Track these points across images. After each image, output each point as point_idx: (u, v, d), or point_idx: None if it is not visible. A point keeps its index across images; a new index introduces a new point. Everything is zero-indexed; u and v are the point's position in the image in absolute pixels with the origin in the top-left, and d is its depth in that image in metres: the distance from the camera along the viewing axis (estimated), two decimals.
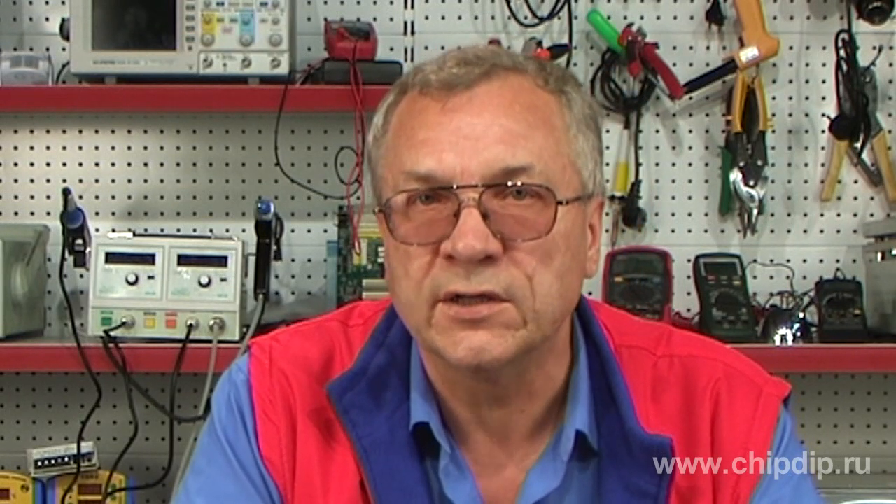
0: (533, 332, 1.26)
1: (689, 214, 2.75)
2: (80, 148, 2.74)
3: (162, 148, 2.74)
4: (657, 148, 2.74)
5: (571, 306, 1.33)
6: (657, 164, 2.74)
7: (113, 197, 2.74)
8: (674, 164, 2.75)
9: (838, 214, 2.74)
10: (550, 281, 1.25)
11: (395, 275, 1.29)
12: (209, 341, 2.36)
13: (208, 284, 2.39)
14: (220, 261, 2.41)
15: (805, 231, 2.74)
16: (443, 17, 2.73)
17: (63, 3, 2.66)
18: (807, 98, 2.74)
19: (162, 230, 2.67)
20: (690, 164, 2.75)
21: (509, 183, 1.24)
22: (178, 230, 2.69)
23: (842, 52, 2.65)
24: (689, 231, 2.74)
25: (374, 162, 1.33)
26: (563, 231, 1.26)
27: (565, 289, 1.28)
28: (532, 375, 1.32)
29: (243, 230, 2.56)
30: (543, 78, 1.30)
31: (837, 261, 2.73)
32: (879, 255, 2.61)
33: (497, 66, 1.28)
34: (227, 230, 2.67)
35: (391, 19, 2.72)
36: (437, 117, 1.26)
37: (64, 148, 2.74)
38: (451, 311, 1.24)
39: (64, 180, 2.70)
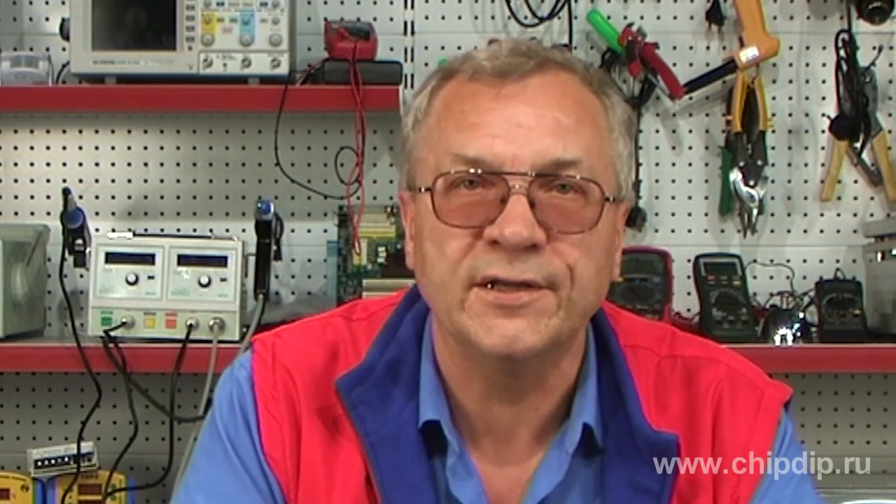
0: (563, 321, 1.26)
1: (689, 214, 2.74)
2: (80, 148, 2.74)
3: (162, 148, 2.74)
4: (657, 148, 2.74)
5: (599, 304, 1.33)
6: (657, 164, 2.74)
7: (113, 197, 2.73)
8: (674, 164, 2.75)
9: (838, 214, 2.74)
10: (590, 274, 1.27)
11: (427, 256, 1.29)
12: (209, 341, 2.36)
13: (208, 284, 2.39)
14: (220, 261, 2.41)
15: (805, 231, 2.74)
16: (443, 17, 2.73)
17: (63, 3, 2.65)
18: (807, 98, 2.74)
19: (162, 230, 2.66)
20: (690, 164, 2.74)
21: (560, 174, 1.25)
22: (178, 230, 2.69)
23: (842, 52, 2.65)
24: (689, 231, 2.74)
25: (412, 144, 1.33)
26: (603, 228, 1.28)
27: (599, 284, 1.29)
28: (548, 371, 1.32)
29: (243, 230, 2.56)
30: (588, 79, 1.32)
31: (837, 261, 2.73)
32: (879, 255, 2.61)
33: (549, 60, 1.30)
34: (227, 230, 2.67)
35: (391, 19, 2.72)
36: (490, 103, 1.27)
37: (64, 148, 2.74)
38: (490, 297, 1.24)
39: (64, 180, 2.70)
